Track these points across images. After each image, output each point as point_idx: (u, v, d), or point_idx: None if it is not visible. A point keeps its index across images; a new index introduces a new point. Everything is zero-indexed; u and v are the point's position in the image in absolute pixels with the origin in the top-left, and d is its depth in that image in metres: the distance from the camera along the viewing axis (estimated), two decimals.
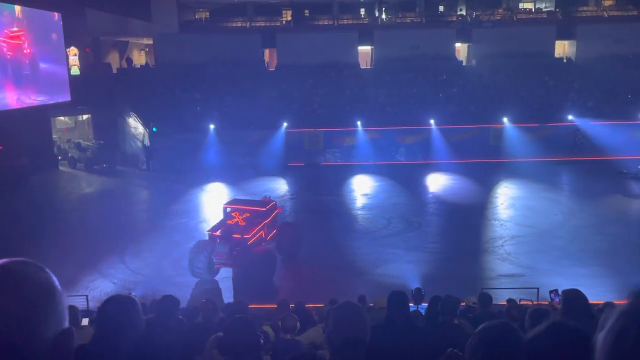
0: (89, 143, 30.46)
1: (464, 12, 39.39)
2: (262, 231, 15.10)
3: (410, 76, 33.06)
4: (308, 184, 25.20)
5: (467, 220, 19.41)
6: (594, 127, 27.82)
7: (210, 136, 28.26)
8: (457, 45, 37.25)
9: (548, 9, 39.51)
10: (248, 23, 38.61)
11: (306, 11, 39.82)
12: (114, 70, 35.11)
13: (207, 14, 40.97)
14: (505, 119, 28.36)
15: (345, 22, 38.73)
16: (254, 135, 28.39)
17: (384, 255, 16.15)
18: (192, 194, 23.97)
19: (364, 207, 21.49)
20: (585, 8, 39.02)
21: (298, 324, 6.54)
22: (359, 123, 28.70)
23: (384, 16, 39.74)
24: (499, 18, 38.27)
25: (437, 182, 25.36)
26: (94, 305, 11.10)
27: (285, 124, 28.63)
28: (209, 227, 15.35)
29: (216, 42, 34.53)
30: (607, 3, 39.14)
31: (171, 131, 27.76)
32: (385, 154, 28.94)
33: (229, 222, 14.90)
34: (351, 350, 2.41)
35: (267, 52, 37.72)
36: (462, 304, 8.20)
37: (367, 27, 37.62)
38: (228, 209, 15.42)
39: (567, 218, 19.31)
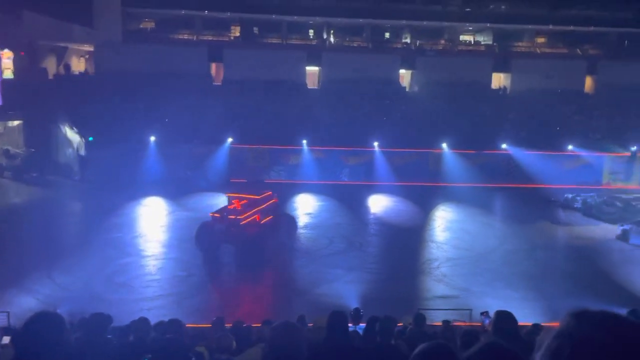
0: (18, 150, 28.83)
1: (408, 40, 40.83)
2: (257, 216, 17.59)
3: (355, 99, 33.68)
4: None
5: (406, 241, 19.83)
6: (526, 156, 29.36)
7: (150, 148, 27.47)
8: (402, 71, 38.46)
9: (486, 42, 41.68)
10: (195, 36, 38.18)
11: (255, 29, 39.91)
12: (50, 76, 33.64)
13: (153, 24, 40.19)
14: (444, 145, 29.39)
15: (294, 42, 39.11)
16: (197, 149, 27.89)
17: (324, 274, 16.17)
18: (128, 207, 23.12)
19: (306, 226, 21.49)
20: (520, 43, 41.46)
21: (234, 343, 6.40)
22: (304, 142, 28.85)
23: (332, 39, 40.49)
24: (441, 48, 40.01)
25: (378, 204, 25.82)
26: (15, 322, 10.38)
27: (229, 139, 28.33)
28: (212, 210, 17.80)
29: (161, 53, 33.86)
30: (539, 40, 41.78)
31: (109, 141, 26.75)
32: (330, 174, 29.20)
33: (229, 207, 17.65)
34: None
35: (213, 66, 37.35)
36: (399, 324, 8.33)
37: (316, 48, 38.18)
38: (229, 197, 18.26)
39: (500, 242, 20.11)
